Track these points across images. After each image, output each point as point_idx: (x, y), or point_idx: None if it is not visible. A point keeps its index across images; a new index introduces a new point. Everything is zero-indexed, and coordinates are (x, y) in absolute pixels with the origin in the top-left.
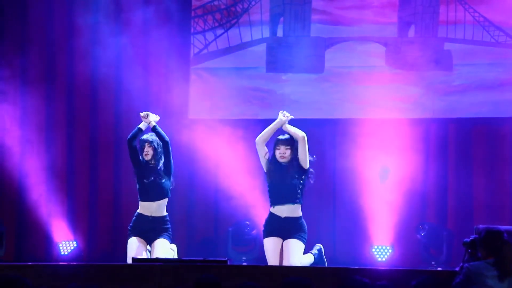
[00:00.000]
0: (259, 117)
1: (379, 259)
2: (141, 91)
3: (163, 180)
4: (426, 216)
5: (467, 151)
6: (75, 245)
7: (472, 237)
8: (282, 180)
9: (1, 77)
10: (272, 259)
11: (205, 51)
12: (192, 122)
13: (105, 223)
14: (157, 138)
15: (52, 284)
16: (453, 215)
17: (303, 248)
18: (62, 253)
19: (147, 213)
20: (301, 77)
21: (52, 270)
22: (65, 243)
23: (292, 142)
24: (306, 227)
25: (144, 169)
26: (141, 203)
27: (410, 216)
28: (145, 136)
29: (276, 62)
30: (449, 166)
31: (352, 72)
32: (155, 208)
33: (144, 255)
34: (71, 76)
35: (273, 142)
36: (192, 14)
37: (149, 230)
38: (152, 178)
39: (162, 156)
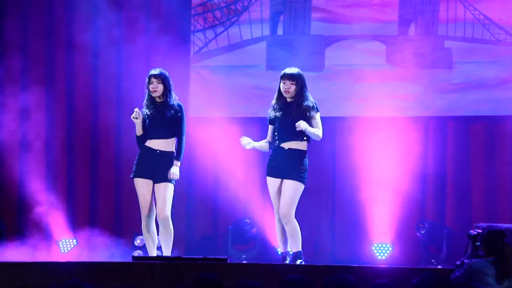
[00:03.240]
0: (259, 115)
1: (379, 257)
2: (142, 89)
3: (172, 118)
4: (425, 214)
5: (467, 149)
6: (75, 243)
7: (476, 232)
8: (287, 116)
9: (1, 78)
10: (272, 199)
11: (205, 49)
12: (191, 120)
13: (106, 221)
14: (166, 73)
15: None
16: (452, 213)
17: (301, 189)
18: (62, 251)
19: (154, 146)
20: None
21: (52, 268)
22: (65, 241)
23: (298, 78)
24: (307, 165)
25: (150, 113)
26: (148, 141)
27: (409, 214)
28: (152, 72)
29: (276, 60)
30: (448, 164)
31: (352, 70)
32: (163, 144)
33: (150, 199)
34: (71, 74)
35: (279, 76)
36: (192, 12)
37: (156, 166)
38: (158, 114)
39: (172, 94)
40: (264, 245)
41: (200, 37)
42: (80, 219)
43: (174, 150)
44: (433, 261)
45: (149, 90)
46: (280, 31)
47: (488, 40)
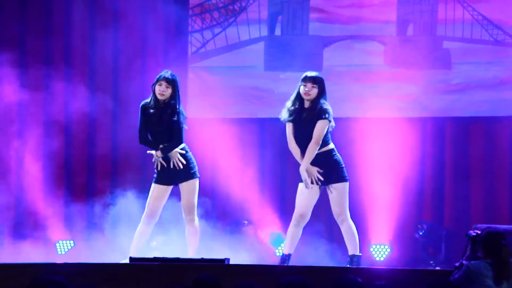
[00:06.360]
0: (257, 116)
1: (378, 258)
2: (139, 90)
3: (172, 123)
4: (424, 215)
5: (465, 150)
6: (72, 244)
7: (475, 233)
8: (304, 122)
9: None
10: (298, 203)
11: (203, 49)
12: (189, 121)
13: (103, 223)
14: (176, 78)
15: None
16: (450, 214)
17: (347, 186)
18: (59, 252)
19: None
20: (299, 76)
21: (49, 270)
22: (62, 242)
23: (319, 82)
24: (341, 161)
25: (151, 117)
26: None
27: (408, 215)
28: (163, 74)
29: (274, 60)
30: (447, 165)
31: (351, 71)
32: None
33: (161, 207)
34: (68, 75)
35: (300, 79)
36: (190, 12)
37: (173, 169)
38: (158, 118)
39: (179, 99)
40: (262, 246)
41: (198, 37)
42: (78, 220)
43: (184, 145)
44: (431, 262)
45: (154, 91)
46: (278, 32)
47: (487, 41)
